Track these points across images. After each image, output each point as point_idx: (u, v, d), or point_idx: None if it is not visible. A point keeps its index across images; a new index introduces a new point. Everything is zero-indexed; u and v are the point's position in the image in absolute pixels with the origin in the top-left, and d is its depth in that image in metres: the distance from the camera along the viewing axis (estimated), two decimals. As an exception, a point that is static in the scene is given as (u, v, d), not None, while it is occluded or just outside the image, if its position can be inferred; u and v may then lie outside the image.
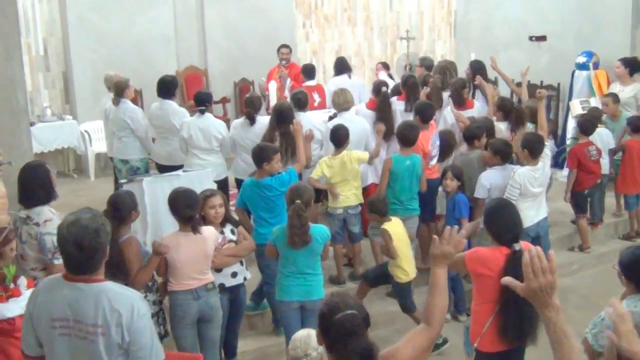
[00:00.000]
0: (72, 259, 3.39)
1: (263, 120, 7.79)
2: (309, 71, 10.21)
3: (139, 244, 5.25)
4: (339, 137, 7.13)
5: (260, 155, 6.31)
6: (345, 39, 13.99)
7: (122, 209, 5.15)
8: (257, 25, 12.48)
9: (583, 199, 8.42)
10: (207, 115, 7.79)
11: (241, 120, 7.97)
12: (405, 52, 11.90)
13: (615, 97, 9.44)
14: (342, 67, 10.13)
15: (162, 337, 5.36)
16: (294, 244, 5.48)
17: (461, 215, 6.87)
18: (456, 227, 3.34)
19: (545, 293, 2.43)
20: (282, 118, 7.29)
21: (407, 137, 7.07)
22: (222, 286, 5.70)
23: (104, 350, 3.36)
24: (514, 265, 4.36)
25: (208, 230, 5.43)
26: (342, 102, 7.82)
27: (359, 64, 13.65)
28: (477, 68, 8.99)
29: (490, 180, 6.86)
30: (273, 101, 8.89)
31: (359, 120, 7.86)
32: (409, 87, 8.32)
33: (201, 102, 7.89)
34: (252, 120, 7.76)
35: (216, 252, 5.55)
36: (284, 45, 10.59)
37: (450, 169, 7.03)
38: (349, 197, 7.16)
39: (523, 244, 4.70)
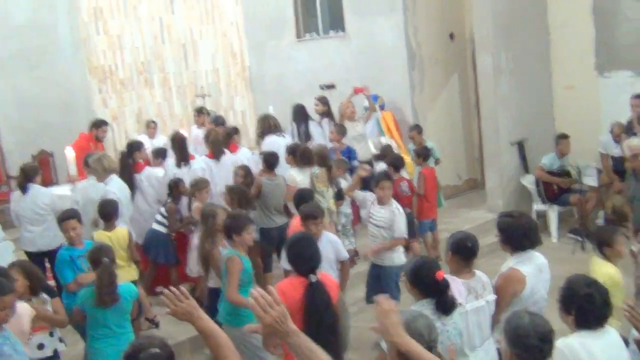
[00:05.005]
0: None
1: (36, 187, 7.84)
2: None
3: None
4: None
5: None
6: (145, 102, 14.04)
7: None
8: (51, 94, 12.27)
9: None
10: None
11: (17, 191, 7.99)
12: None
13: (419, 128, 10.20)
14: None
15: None
16: (104, 302, 5.43)
17: None
18: None
19: (281, 323, 2.62)
20: None
21: None
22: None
23: None
24: (311, 296, 4.66)
25: (22, 307, 5.22)
26: (107, 167, 7.86)
27: (161, 125, 13.67)
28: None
29: None
30: (72, 169, 8.76)
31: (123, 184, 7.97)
32: (177, 143, 8.83)
33: None
34: (24, 190, 7.81)
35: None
36: (106, 122, 10.41)
37: None
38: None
39: (321, 275, 4.98)
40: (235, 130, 10.02)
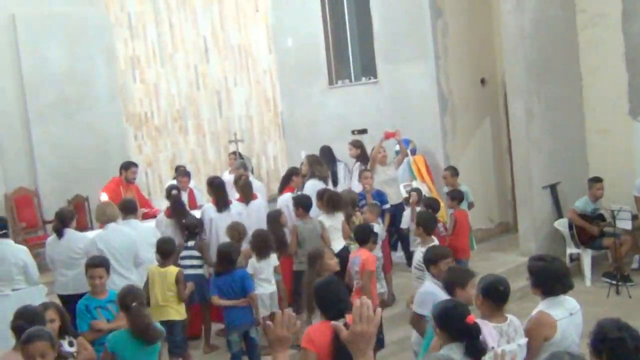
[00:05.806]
0: None
1: (72, 232, 7.90)
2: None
3: None
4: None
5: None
6: (179, 148, 14.21)
7: None
8: (87, 140, 12.45)
9: None
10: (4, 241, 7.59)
11: (52, 236, 8.05)
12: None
13: (453, 170, 10.13)
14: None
15: None
16: (153, 338, 5.51)
17: None
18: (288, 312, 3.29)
19: (365, 341, 2.67)
20: None
21: None
22: None
23: None
24: (339, 341, 4.57)
25: None
26: (110, 214, 7.94)
27: (194, 171, 13.82)
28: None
29: None
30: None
31: (126, 231, 7.97)
32: (216, 187, 8.76)
33: None
34: (59, 234, 7.85)
35: None
36: (135, 164, 10.69)
37: None
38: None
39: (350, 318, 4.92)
40: (294, 172, 9.77)
